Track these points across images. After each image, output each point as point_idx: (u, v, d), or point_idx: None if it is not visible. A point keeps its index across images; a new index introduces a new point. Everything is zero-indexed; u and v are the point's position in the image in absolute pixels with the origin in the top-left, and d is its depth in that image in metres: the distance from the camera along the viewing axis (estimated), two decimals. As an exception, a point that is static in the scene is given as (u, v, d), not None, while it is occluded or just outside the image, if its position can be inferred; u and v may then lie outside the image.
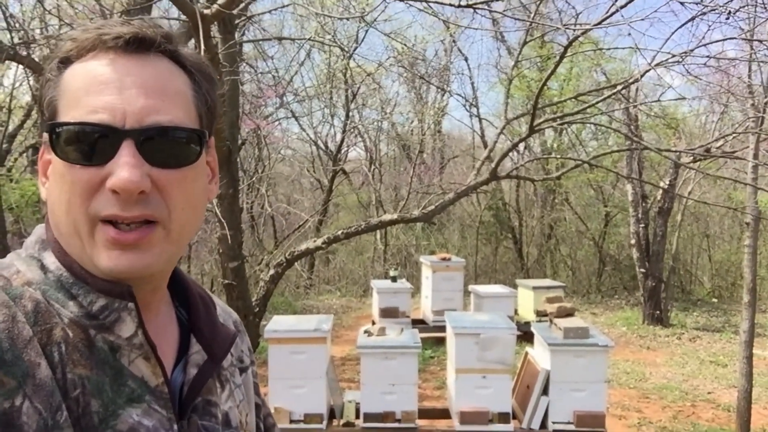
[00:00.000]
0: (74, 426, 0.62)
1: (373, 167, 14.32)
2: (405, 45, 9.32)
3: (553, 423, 4.46)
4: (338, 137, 14.02)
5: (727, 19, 3.38)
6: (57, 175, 0.67)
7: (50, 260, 0.69)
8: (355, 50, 11.35)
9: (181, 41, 0.73)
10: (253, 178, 11.59)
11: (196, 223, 0.73)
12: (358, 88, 12.90)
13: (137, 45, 0.67)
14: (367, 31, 11.24)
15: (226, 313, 0.89)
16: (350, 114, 13.62)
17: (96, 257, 0.66)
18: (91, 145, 0.64)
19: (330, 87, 12.83)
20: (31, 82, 10.01)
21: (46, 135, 0.68)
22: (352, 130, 14.09)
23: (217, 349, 0.78)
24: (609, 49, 6.83)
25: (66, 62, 0.68)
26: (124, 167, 0.63)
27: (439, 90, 14.69)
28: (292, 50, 12.38)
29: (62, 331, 0.65)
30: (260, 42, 9.47)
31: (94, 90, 0.65)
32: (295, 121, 13.49)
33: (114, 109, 0.64)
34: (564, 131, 13.24)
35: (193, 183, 0.70)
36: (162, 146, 0.66)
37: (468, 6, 3.06)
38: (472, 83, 17.93)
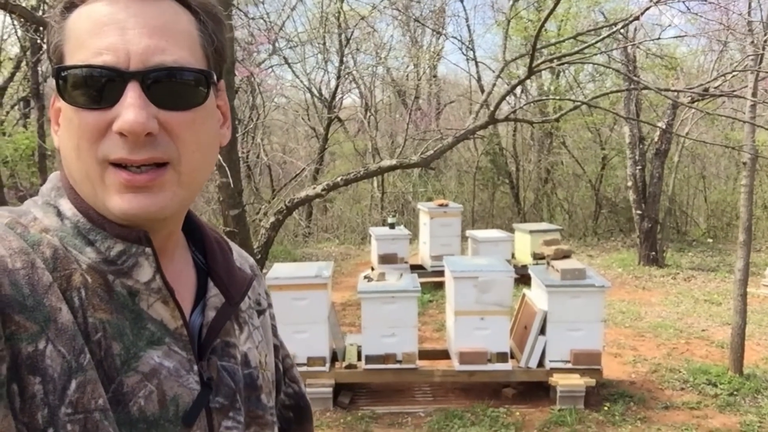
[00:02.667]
0: (97, 369, 0.63)
1: (368, 114, 14.18)
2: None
3: (550, 361, 4.58)
4: (332, 84, 13.85)
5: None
6: (66, 121, 0.66)
7: (66, 207, 0.69)
8: (348, -7, 11.09)
9: None
10: (248, 127, 11.50)
11: (208, 166, 0.73)
12: (352, 32, 12.66)
13: None
14: (360, -28, 10.97)
15: (242, 257, 0.90)
16: (344, 59, 13.41)
17: (108, 201, 0.65)
18: (98, 87, 0.64)
19: (323, 32, 12.58)
20: (20, 33, 9.82)
21: (53, 81, 0.67)
22: (346, 76, 13.89)
23: (234, 292, 0.79)
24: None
25: (70, 7, 0.67)
26: (130, 109, 0.62)
27: (435, 33, 14.43)
28: (284, -6, 12.08)
29: (81, 277, 0.65)
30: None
31: (98, 32, 0.64)
32: (289, 67, 13.27)
33: (117, 50, 0.63)
34: (561, 74, 13.08)
35: (202, 125, 0.69)
36: (168, 87, 0.65)
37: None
38: (468, 26, 17.63)
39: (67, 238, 0.67)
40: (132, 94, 0.63)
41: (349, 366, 4.68)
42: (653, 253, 9.34)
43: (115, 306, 0.66)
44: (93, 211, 0.68)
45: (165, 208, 0.67)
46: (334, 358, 4.78)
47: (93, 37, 0.64)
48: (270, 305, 0.93)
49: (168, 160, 0.66)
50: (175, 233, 0.76)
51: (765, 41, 4.80)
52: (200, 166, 0.70)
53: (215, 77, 0.71)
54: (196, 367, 0.71)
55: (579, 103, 6.22)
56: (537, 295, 4.85)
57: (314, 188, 4.64)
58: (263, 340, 0.86)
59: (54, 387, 0.60)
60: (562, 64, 6.19)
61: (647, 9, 3.56)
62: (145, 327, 0.68)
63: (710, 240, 11.61)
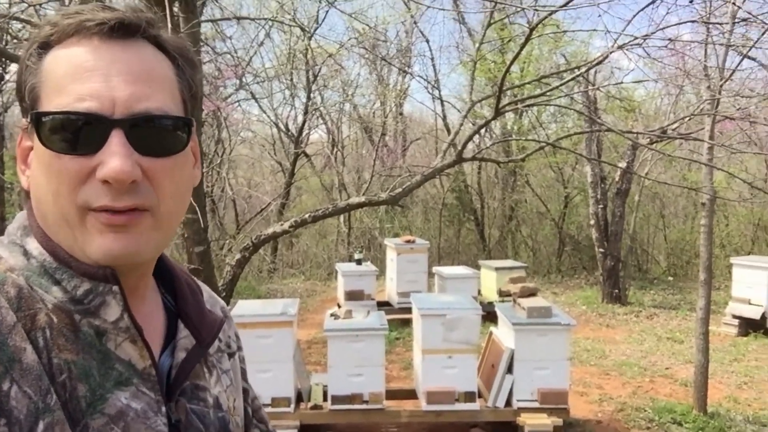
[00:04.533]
0: (62, 410, 0.61)
1: (335, 150, 14.22)
2: (367, 25, 9.24)
3: (518, 401, 4.55)
4: (299, 119, 13.87)
5: (691, 1, 3.43)
6: (43, 165, 0.66)
7: (33, 245, 0.68)
8: (316, 30, 11.22)
9: (163, 26, 0.71)
10: (214, 161, 11.40)
11: (183, 210, 0.74)
12: (319, 69, 12.75)
13: (122, 31, 0.66)
14: (327, 11, 11.11)
15: (213, 299, 0.89)
16: (311, 95, 13.47)
17: (90, 244, 0.65)
18: (79, 134, 0.63)
19: (291, 68, 12.64)
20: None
21: (25, 122, 0.66)
22: (313, 112, 13.95)
23: (205, 333, 0.78)
24: (572, 31, 6.91)
25: (45, 47, 0.66)
26: (115, 157, 0.62)
27: (401, 72, 14.64)
28: (252, 30, 12.14)
29: (46, 317, 0.64)
30: (219, 21, 9.27)
31: (80, 77, 0.64)
32: (255, 102, 13.28)
33: (101, 97, 0.63)
34: (524, 114, 13.36)
35: (180, 170, 0.70)
36: (150, 134, 0.65)
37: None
38: (434, 65, 18.00)
39: (33, 278, 0.66)
40: (117, 142, 0.63)
41: (315, 407, 4.57)
42: (616, 290, 9.46)
43: (82, 346, 0.65)
44: (60, 250, 0.67)
45: (142, 249, 0.67)
46: (299, 398, 4.67)
47: (74, 82, 0.64)
48: (240, 348, 0.92)
49: (148, 208, 0.66)
50: (147, 275, 0.75)
51: (721, 86, 4.97)
52: (176, 211, 0.71)
53: (194, 122, 0.71)
54: (164, 409, 0.69)
55: (544, 144, 6.34)
56: (504, 333, 4.84)
57: (281, 225, 4.59)
58: (232, 385, 0.84)
59: (20, 429, 0.58)
60: (528, 106, 6.32)
61: (610, 53, 3.67)
62: (113, 367, 0.66)
63: (671, 278, 11.84)
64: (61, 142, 0.63)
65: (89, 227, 0.65)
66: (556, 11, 3.69)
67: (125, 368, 0.67)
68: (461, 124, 5.69)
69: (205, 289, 0.88)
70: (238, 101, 12.42)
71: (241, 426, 0.84)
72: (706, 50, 5.55)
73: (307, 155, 14.52)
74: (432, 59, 18.42)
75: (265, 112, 13.87)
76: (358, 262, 8.07)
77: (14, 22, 5.27)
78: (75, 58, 0.64)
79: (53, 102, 0.64)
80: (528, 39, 3.90)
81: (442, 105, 14.39)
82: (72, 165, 0.63)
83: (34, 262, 0.67)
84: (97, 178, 0.63)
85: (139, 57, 0.66)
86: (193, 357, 0.75)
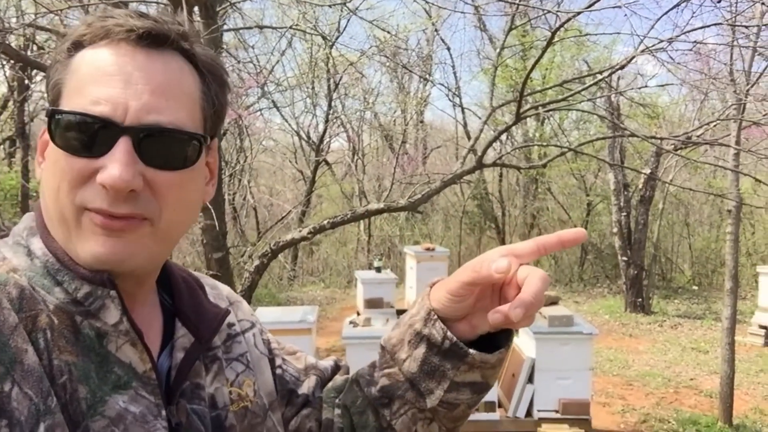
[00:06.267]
0: (62, 412, 0.61)
1: (356, 158, 14.24)
2: (388, 32, 9.25)
3: (539, 411, 4.48)
4: (320, 128, 13.91)
5: (719, 2, 3.36)
6: (51, 161, 0.66)
7: (37, 246, 0.68)
8: (337, 39, 11.23)
9: (197, 39, 0.71)
10: (235, 169, 11.48)
11: (187, 223, 0.73)
12: (341, 77, 12.78)
13: (150, 40, 0.66)
14: (349, 19, 11.13)
15: (216, 289, 0.88)
16: (332, 104, 13.52)
17: (82, 244, 0.65)
18: (89, 136, 0.63)
19: (312, 76, 12.70)
20: (7, 73, 9.81)
21: (46, 117, 0.66)
22: (334, 120, 13.99)
23: (204, 330, 0.77)
24: (595, 34, 6.84)
25: (77, 46, 0.67)
26: (116, 164, 0.62)
27: (422, 79, 14.63)
28: (273, 39, 12.22)
29: (47, 318, 0.64)
30: (241, 31, 9.35)
31: (100, 80, 0.64)
32: (277, 111, 13.34)
33: (116, 103, 0.63)
34: (546, 121, 13.27)
35: (188, 186, 0.69)
36: (160, 147, 0.65)
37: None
38: (455, 73, 17.96)
39: (36, 278, 0.66)
40: (122, 149, 0.63)
41: (333, 414, 4.54)
42: (639, 299, 9.32)
43: (81, 348, 0.65)
44: (62, 252, 0.67)
45: (134, 256, 0.66)
46: (318, 405, 4.64)
47: (94, 85, 0.64)
48: (254, 324, 0.90)
49: (147, 217, 0.65)
50: (146, 284, 0.74)
51: (747, 90, 4.88)
52: (179, 224, 0.70)
53: (209, 139, 0.71)
54: (164, 412, 0.69)
55: (566, 149, 6.28)
56: (524, 342, 4.78)
57: (300, 231, 4.58)
58: (248, 368, 0.83)
59: (21, 430, 0.57)
60: (549, 111, 6.27)
61: (633, 57, 3.62)
62: (111, 371, 0.66)
63: (695, 287, 11.63)
64: (71, 141, 0.63)
65: (84, 227, 0.64)
66: (580, 13, 3.64)
67: (124, 371, 0.67)
68: (481, 130, 5.65)
69: (208, 283, 0.87)
70: (260, 110, 12.50)
71: (267, 406, 0.83)
72: (732, 54, 5.46)
73: (327, 163, 14.56)
74: (453, 67, 18.38)
75: (286, 120, 13.95)
76: (378, 269, 8.04)
77: (39, 31, 5.36)
78: (99, 61, 0.65)
79: (71, 101, 0.65)
80: (550, 42, 3.86)
81: (463, 113, 14.37)
82: (76, 165, 0.63)
83: (38, 263, 0.67)
84: (96, 181, 0.63)
85: (164, 68, 0.66)
86: (192, 355, 0.74)
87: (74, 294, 0.65)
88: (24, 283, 0.65)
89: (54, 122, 0.64)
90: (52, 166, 0.66)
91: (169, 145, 0.65)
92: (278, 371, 0.90)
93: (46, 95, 0.71)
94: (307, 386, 0.92)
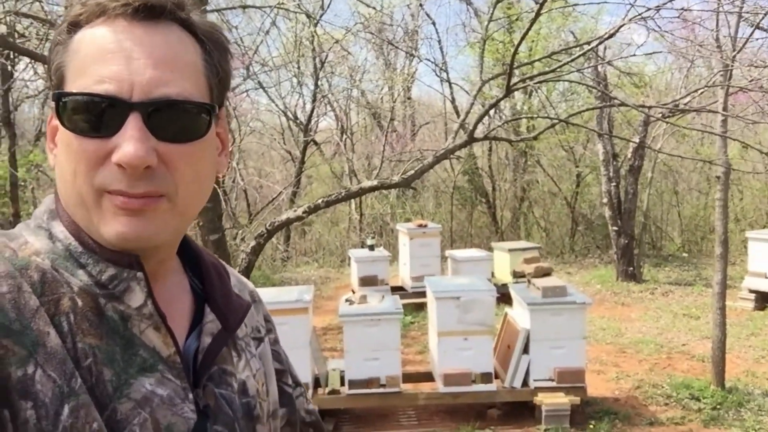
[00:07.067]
0: (89, 395, 0.62)
1: (344, 137, 14.18)
2: (373, 8, 9.17)
3: (534, 380, 4.55)
4: (308, 107, 13.83)
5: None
6: (64, 145, 0.66)
7: (59, 229, 0.68)
8: (321, 16, 11.12)
9: (194, 8, 0.70)
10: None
11: (203, 196, 0.72)
12: (326, 55, 12.68)
13: (147, 13, 0.65)
14: (333, -4, 11.02)
15: (241, 283, 0.89)
16: (319, 83, 13.41)
17: (104, 225, 0.65)
18: (98, 115, 0.63)
19: (297, 56, 12.58)
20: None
21: (53, 102, 0.66)
22: (321, 99, 13.89)
23: (231, 318, 0.77)
24: (583, 4, 6.78)
25: (75, 26, 0.66)
26: (130, 141, 0.62)
27: (408, 55, 14.53)
28: (257, 19, 12.07)
29: (70, 301, 0.64)
30: (224, 11, 9.23)
31: (102, 59, 0.64)
32: (263, 92, 13.22)
33: (121, 80, 0.63)
34: (533, 93, 13.24)
35: (201, 157, 0.69)
36: (170, 120, 0.65)
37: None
38: (441, 48, 17.82)
39: (59, 260, 0.66)
40: (133, 126, 0.63)
41: (332, 391, 4.60)
42: (631, 268, 9.41)
43: (105, 331, 0.65)
44: (85, 235, 0.67)
45: (158, 233, 0.66)
46: (317, 384, 4.69)
47: (96, 64, 0.64)
48: (270, 330, 0.92)
49: (164, 194, 0.65)
50: (168, 260, 0.75)
51: (733, 57, 4.90)
52: (196, 197, 0.70)
53: (217, 109, 0.70)
54: (191, 396, 0.69)
55: (556, 121, 6.29)
56: (519, 314, 4.83)
57: (295, 210, 4.59)
58: (261, 368, 0.84)
59: (46, 412, 0.58)
60: (539, 82, 6.26)
61: (621, 26, 3.61)
62: (137, 353, 0.66)
63: (685, 254, 11.75)
64: (81, 123, 0.63)
65: (104, 209, 0.64)
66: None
67: (150, 354, 0.67)
68: (471, 104, 5.65)
69: (233, 274, 0.87)
70: (246, 91, 12.37)
71: (270, 410, 0.84)
72: (717, 20, 5.46)
73: (316, 143, 14.50)
74: (439, 42, 18.31)
75: (273, 101, 13.83)
76: (371, 248, 8.08)
77: (21, 18, 5.27)
78: (99, 39, 0.64)
79: (76, 83, 0.64)
80: (539, 13, 3.84)
81: (451, 88, 14.29)
82: (90, 146, 0.63)
83: (60, 246, 0.67)
84: (112, 161, 0.63)
85: (163, 40, 0.65)
86: (220, 341, 0.75)
87: (98, 277, 0.66)
88: (47, 267, 0.65)
89: (61, 106, 0.64)
90: (65, 150, 0.66)
91: (178, 117, 0.65)
92: (282, 386, 0.91)
93: (49, 81, 0.70)
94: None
